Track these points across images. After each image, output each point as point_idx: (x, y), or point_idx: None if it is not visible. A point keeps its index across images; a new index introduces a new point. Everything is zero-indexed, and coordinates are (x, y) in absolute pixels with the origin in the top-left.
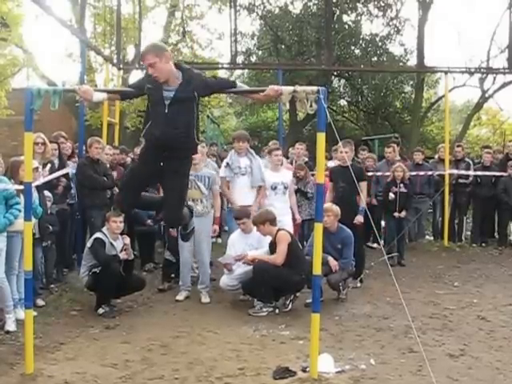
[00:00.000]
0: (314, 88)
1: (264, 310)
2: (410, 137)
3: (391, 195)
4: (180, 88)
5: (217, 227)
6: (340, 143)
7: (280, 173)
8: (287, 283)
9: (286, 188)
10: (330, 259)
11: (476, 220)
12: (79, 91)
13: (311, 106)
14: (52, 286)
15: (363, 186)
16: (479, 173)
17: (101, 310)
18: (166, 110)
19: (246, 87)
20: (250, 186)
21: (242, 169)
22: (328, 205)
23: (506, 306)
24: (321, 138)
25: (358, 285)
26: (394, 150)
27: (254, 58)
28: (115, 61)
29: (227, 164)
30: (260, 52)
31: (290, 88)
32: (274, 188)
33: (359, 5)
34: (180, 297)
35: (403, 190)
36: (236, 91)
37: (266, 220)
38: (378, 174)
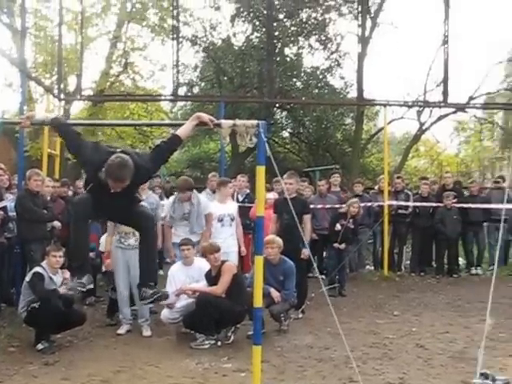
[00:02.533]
0: (254, 122)
1: (206, 342)
2: (350, 168)
3: (338, 226)
4: (123, 191)
5: None
6: (284, 175)
7: (226, 204)
8: (229, 314)
9: (232, 220)
10: (272, 291)
11: (415, 250)
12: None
13: (251, 139)
14: None
15: (307, 218)
16: (417, 204)
17: (40, 346)
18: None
19: (180, 129)
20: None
21: (185, 215)
22: (271, 237)
23: (444, 334)
24: (261, 171)
25: (300, 316)
26: (327, 182)
27: (196, 90)
28: (56, 92)
29: (170, 215)
30: (203, 84)
31: (230, 122)
32: (220, 220)
33: (301, 38)
34: (121, 330)
35: (351, 225)
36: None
37: (217, 250)
38: (318, 206)
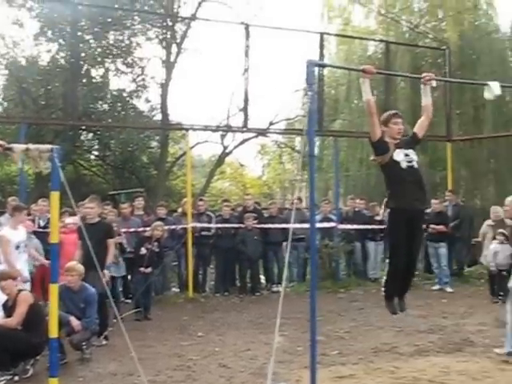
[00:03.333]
0: (48, 147)
1: (1, 378)
2: (156, 191)
3: (143, 250)
4: None
5: None
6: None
7: (19, 231)
8: (26, 347)
9: (25, 246)
10: (72, 319)
11: (218, 270)
12: None
13: (45, 164)
14: None
15: (111, 242)
16: (219, 225)
17: None
18: None
19: None
20: None
21: None
22: (71, 264)
23: (245, 352)
24: (54, 197)
25: (104, 342)
26: (130, 205)
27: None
28: None
29: None
30: (6, 103)
31: (22, 146)
32: (17, 247)
33: (107, 60)
34: None
35: (156, 249)
36: None
37: (9, 276)
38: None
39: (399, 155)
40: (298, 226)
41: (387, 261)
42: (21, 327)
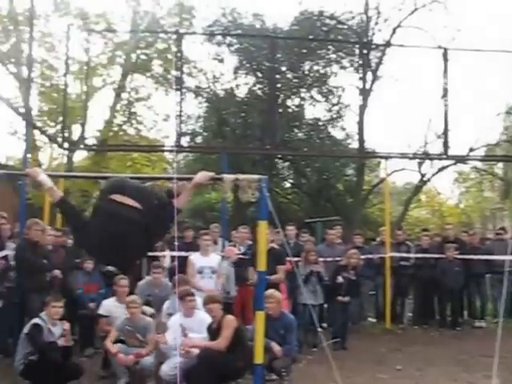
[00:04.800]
0: (256, 177)
1: None
2: (351, 219)
3: (340, 279)
4: None
5: None
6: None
7: (208, 257)
8: (231, 370)
9: (213, 272)
10: (274, 345)
11: (417, 302)
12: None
13: (253, 194)
14: None
15: (280, 269)
16: (419, 255)
17: None
18: None
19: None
20: None
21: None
22: (270, 291)
23: None
24: (263, 226)
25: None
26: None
27: (199, 139)
28: (60, 141)
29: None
30: (206, 133)
31: (232, 176)
32: (200, 272)
33: (302, 90)
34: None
35: (352, 277)
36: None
37: (217, 300)
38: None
39: None
40: (502, 258)
41: None
42: (225, 350)
